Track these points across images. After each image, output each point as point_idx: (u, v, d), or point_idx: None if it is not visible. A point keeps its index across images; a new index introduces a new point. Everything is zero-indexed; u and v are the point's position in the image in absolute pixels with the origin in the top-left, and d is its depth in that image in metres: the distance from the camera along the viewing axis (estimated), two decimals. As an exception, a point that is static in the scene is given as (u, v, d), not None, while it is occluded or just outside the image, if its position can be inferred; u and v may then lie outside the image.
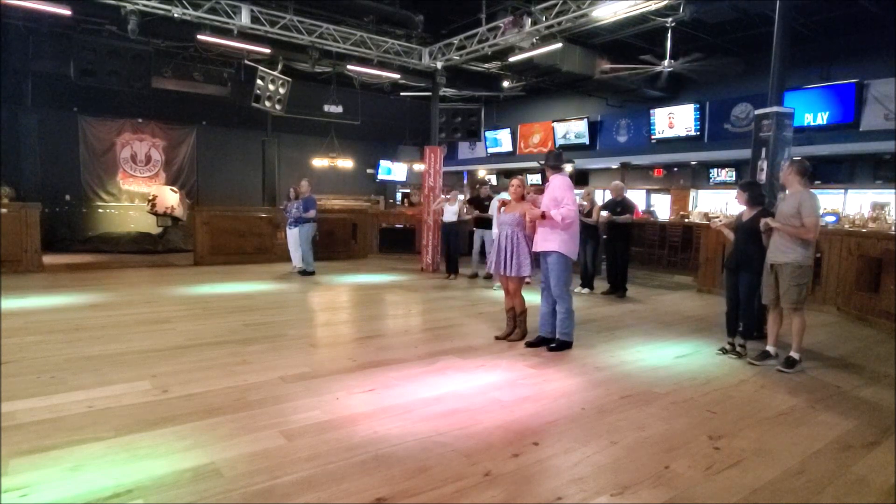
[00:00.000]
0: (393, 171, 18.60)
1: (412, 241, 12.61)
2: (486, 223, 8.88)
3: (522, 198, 5.24)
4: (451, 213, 9.16)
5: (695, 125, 12.59)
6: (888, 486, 2.67)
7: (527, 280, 5.35)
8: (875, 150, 10.68)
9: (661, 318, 6.52)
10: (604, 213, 7.97)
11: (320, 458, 2.77)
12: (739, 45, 10.78)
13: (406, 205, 17.44)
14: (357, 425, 3.18)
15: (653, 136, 13.43)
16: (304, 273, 9.25)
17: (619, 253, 7.97)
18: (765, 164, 5.53)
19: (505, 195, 6.72)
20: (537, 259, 5.10)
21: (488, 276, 8.95)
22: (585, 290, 8.05)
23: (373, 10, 9.67)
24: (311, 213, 9.28)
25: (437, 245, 10.28)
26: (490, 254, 8.70)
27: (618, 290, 7.91)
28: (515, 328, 5.26)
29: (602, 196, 12.40)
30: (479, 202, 9.04)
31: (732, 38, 10.53)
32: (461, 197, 10.00)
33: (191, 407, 3.38)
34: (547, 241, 4.83)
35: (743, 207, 4.90)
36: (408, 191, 19.23)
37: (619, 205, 7.89)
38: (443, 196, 9.66)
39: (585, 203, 7.87)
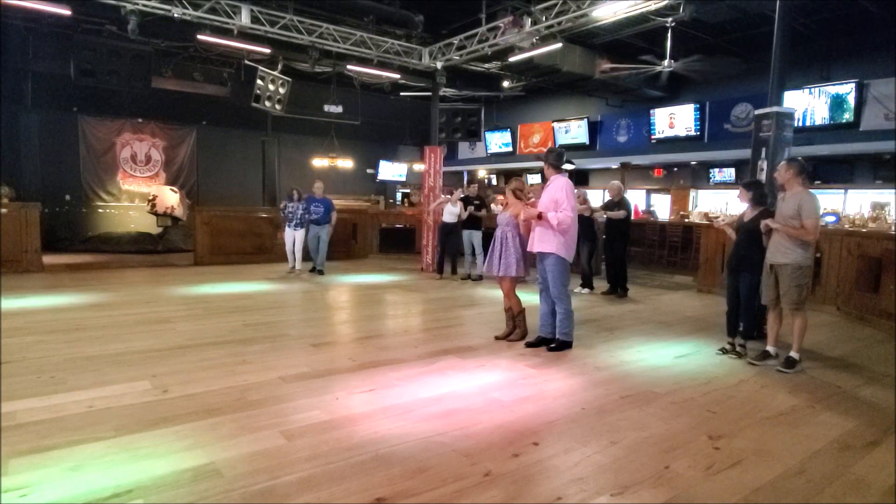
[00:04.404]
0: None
1: (412, 241, 12.60)
2: (473, 223, 8.88)
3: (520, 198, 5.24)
4: (451, 213, 9.10)
5: (695, 125, 12.59)
6: (888, 486, 2.67)
7: (526, 278, 5.34)
8: (875, 150, 10.68)
9: (661, 318, 6.52)
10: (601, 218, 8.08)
11: (320, 458, 2.77)
12: (739, 45, 10.78)
13: (406, 205, 17.43)
14: (357, 425, 3.18)
15: (653, 136, 13.43)
16: (315, 271, 9.41)
17: (617, 253, 7.98)
18: (765, 164, 5.52)
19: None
20: (533, 258, 5.09)
21: (479, 278, 8.96)
22: (585, 291, 8.05)
23: (373, 10, 9.68)
24: (335, 216, 9.55)
25: (436, 245, 10.24)
26: (479, 254, 8.77)
27: (618, 290, 7.91)
28: (515, 328, 5.27)
29: (602, 196, 12.40)
30: (468, 202, 8.91)
31: (732, 38, 10.53)
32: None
33: (191, 407, 3.38)
34: (544, 242, 4.81)
35: (745, 207, 4.89)
36: (408, 191, 19.22)
37: (618, 206, 7.88)
38: (443, 196, 9.61)
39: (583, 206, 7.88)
